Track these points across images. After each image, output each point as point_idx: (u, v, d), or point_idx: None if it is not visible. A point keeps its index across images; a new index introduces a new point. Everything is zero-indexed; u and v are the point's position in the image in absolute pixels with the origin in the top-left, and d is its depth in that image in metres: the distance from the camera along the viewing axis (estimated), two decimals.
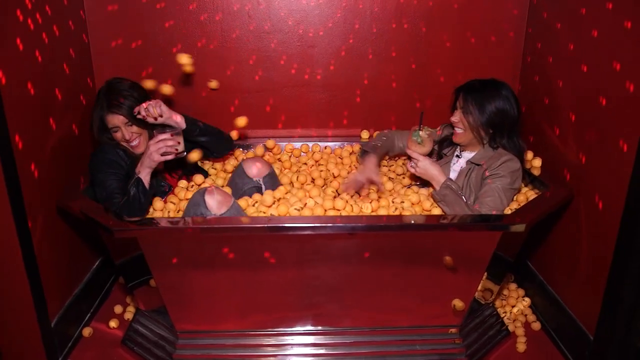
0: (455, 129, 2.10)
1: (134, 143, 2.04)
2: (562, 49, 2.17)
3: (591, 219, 1.95)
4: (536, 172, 2.20)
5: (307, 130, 2.68)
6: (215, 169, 2.39)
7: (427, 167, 2.03)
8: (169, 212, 2.00)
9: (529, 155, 2.32)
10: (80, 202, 1.91)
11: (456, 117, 2.07)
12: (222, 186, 2.23)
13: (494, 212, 1.93)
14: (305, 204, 1.95)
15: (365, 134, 2.68)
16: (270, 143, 2.59)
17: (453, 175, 2.17)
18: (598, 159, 1.91)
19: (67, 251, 2.15)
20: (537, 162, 2.27)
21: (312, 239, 1.77)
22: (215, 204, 1.83)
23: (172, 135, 1.88)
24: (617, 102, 1.79)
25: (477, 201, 1.99)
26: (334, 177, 2.36)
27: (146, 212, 1.93)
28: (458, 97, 2.09)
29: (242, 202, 2.01)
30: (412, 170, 2.07)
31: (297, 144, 2.63)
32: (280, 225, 1.71)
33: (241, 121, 2.26)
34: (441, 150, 2.27)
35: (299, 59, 2.57)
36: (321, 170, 2.41)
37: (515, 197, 2.10)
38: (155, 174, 2.05)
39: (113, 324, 2.17)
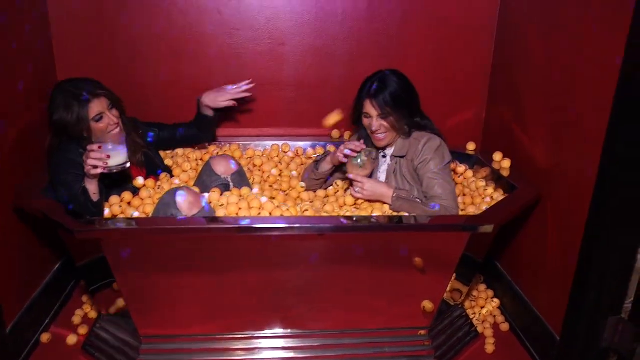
0: (376, 136, 2.08)
1: (117, 131, 1.98)
2: (533, 50, 2.20)
3: (557, 220, 1.98)
4: (505, 173, 2.24)
5: (277, 130, 2.68)
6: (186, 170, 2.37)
7: (374, 187, 2.00)
8: (120, 209, 1.96)
9: (498, 156, 2.36)
10: (39, 202, 1.87)
11: (376, 126, 2.03)
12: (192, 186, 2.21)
13: (450, 200, 1.97)
14: (261, 208, 1.95)
15: (335, 134, 2.68)
16: (252, 153, 2.57)
17: (383, 177, 2.16)
18: (565, 161, 1.94)
19: (25, 253, 2.09)
20: (506, 163, 2.30)
21: (281, 241, 1.77)
22: (187, 205, 1.80)
23: (99, 147, 1.78)
24: (584, 104, 1.83)
25: (428, 198, 2.01)
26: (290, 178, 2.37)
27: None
28: (362, 105, 2.04)
29: (214, 195, 1.99)
30: (359, 196, 2.00)
31: (267, 143, 2.62)
32: (250, 226, 1.70)
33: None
34: None
35: (268, 57, 2.55)
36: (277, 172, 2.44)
37: (484, 196, 2.14)
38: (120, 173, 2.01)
39: (72, 339, 2.10)
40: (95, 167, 1.79)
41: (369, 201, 2.05)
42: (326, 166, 2.19)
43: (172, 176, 2.30)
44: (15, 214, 2.03)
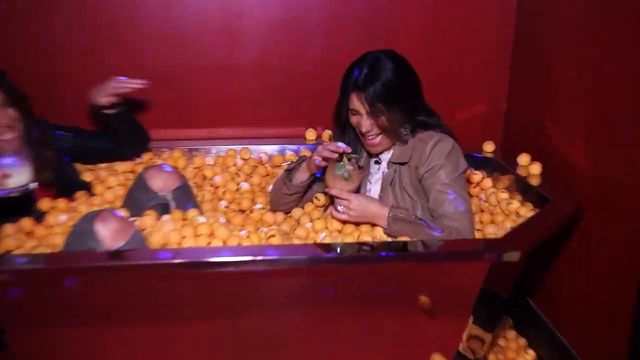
0: (368, 139, 2.07)
1: (9, 136, 2.00)
2: (569, 19, 2.20)
3: (608, 243, 1.97)
4: (534, 182, 2.23)
5: (234, 130, 2.67)
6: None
7: (363, 205, 1.97)
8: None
9: (524, 158, 2.35)
10: None
11: (366, 126, 2.03)
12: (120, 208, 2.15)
13: (464, 221, 1.96)
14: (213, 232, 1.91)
15: (311, 134, 2.67)
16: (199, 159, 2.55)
17: (376, 189, 2.15)
18: (616, 164, 1.94)
19: None
20: (536, 169, 2.29)
21: (239, 279, 1.72)
22: (110, 234, 1.77)
23: None
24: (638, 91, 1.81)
25: (435, 217, 1.99)
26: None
27: None
28: (347, 100, 2.05)
29: (148, 220, 1.96)
30: (343, 217, 1.97)
31: (222, 148, 2.61)
32: (197, 261, 1.65)
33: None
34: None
35: (221, 35, 2.53)
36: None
37: (509, 212, 2.13)
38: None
39: None
40: None
41: (356, 224, 2.02)
42: (301, 176, 2.15)
43: (91, 194, 2.26)
44: None
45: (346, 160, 2.01)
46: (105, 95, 2.25)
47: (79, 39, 2.48)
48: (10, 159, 1.80)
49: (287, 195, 2.18)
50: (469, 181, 2.40)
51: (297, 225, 2.13)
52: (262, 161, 2.56)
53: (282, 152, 2.62)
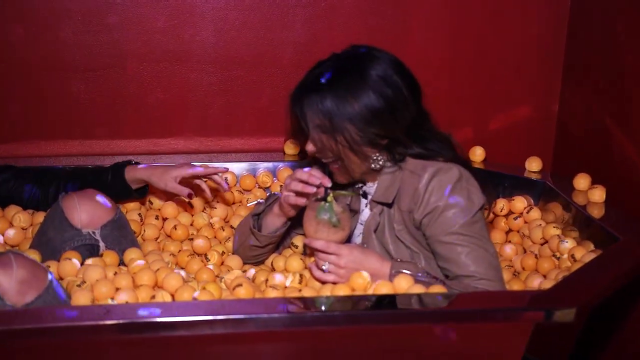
0: (330, 165, 2.09)
1: None
2: None
3: None
4: (596, 213, 2.25)
5: (188, 141, 2.72)
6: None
7: (358, 261, 1.97)
8: None
9: (582, 181, 2.38)
10: None
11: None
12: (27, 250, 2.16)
13: (493, 280, 1.97)
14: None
15: (291, 148, 2.71)
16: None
17: (356, 239, 2.17)
18: None
19: None
20: (598, 195, 2.32)
21: (193, 346, 1.74)
22: (15, 287, 1.78)
23: None
24: None
25: (451, 278, 2.00)
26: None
27: None
28: (295, 113, 2.09)
29: (69, 265, 1.98)
30: (330, 278, 1.97)
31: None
32: (134, 321, 1.66)
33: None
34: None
35: (169, 11, 2.59)
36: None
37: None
38: None
39: None
40: None
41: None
42: (274, 222, 2.15)
43: None
44: None
45: (333, 200, 2.00)
46: (177, 180, 2.28)
47: None
48: None
49: (257, 248, 2.20)
50: (493, 213, 2.40)
51: (271, 271, 2.14)
52: (227, 184, 2.55)
53: (253, 172, 2.65)
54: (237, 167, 2.65)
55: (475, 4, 2.69)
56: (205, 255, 2.24)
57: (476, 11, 2.70)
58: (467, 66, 2.68)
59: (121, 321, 1.66)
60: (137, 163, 2.37)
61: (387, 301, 1.83)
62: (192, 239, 2.35)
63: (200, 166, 2.31)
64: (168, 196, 2.49)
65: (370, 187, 2.13)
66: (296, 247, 2.24)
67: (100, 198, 2.22)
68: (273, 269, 2.17)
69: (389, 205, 2.07)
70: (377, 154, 2.03)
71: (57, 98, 2.65)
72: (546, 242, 2.29)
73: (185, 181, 2.31)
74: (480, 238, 2.00)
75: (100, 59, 2.62)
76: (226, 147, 2.74)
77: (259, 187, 2.63)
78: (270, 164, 2.66)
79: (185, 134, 2.72)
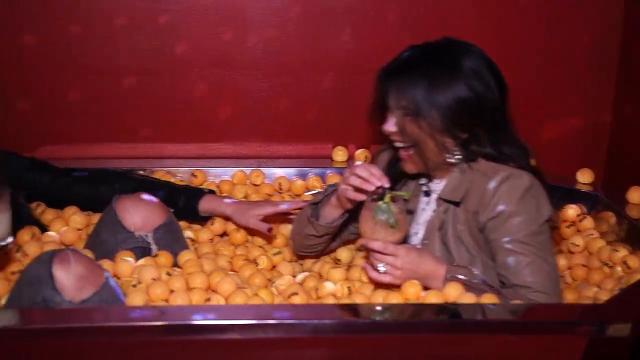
0: (400, 149, 2.07)
1: None
2: None
3: None
4: None
5: (239, 146, 2.73)
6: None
7: (415, 263, 1.96)
8: None
9: (636, 194, 2.37)
10: None
11: (390, 126, 2.06)
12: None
13: (550, 294, 1.94)
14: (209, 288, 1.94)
15: (340, 155, 2.71)
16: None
17: (417, 235, 2.15)
18: None
19: None
20: None
21: (243, 350, 1.74)
22: (73, 283, 1.78)
23: None
24: None
25: (507, 285, 1.98)
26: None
27: None
28: (383, 86, 2.06)
29: (124, 266, 1.99)
30: (386, 279, 1.96)
31: (225, 171, 2.65)
32: (188, 323, 1.67)
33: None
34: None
35: (219, 17, 2.61)
36: None
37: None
38: None
39: None
40: None
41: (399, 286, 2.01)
42: (331, 213, 2.14)
43: (43, 231, 2.29)
44: None
45: (390, 201, 1.98)
46: (260, 218, 2.29)
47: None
48: None
49: (314, 237, 2.19)
50: (556, 226, 2.36)
51: (319, 278, 2.15)
52: (280, 188, 2.59)
53: (302, 176, 2.66)
54: (286, 173, 2.65)
55: (526, 15, 2.68)
56: (255, 260, 2.24)
57: (527, 22, 2.69)
58: (517, 77, 2.65)
59: (175, 322, 1.68)
60: (211, 192, 2.40)
61: (437, 310, 1.82)
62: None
63: (282, 203, 2.33)
64: None
65: (437, 185, 2.12)
66: (339, 260, 2.25)
67: (153, 201, 2.23)
68: (320, 276, 2.17)
69: (456, 204, 2.05)
70: (455, 148, 2.03)
71: (109, 101, 2.68)
72: (598, 253, 2.27)
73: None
74: (543, 250, 1.98)
75: (152, 63, 2.64)
76: (275, 153, 2.74)
77: (308, 192, 2.62)
78: (317, 170, 2.66)
79: (234, 139, 2.73)
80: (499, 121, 2.05)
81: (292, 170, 2.66)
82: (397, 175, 2.15)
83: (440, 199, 2.08)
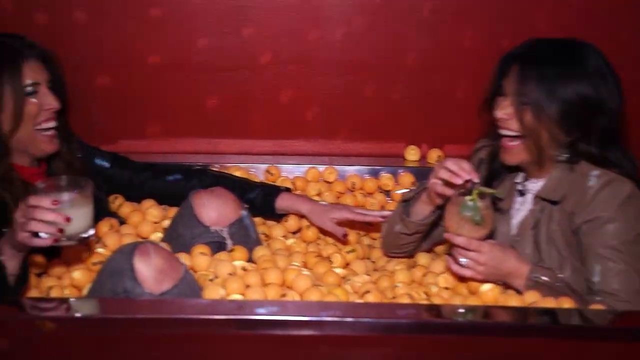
0: (503, 139, 2.06)
1: (52, 124, 2.10)
2: None
3: None
4: None
5: (311, 143, 2.75)
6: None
7: (498, 260, 1.96)
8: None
9: None
10: None
11: (505, 111, 2.04)
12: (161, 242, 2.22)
13: (635, 304, 1.91)
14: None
15: (412, 154, 2.71)
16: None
17: (510, 232, 2.14)
18: None
19: None
20: None
21: (321, 345, 1.73)
22: (153, 275, 1.82)
23: (55, 202, 1.76)
24: None
25: (593, 291, 1.95)
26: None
27: None
28: (506, 72, 2.05)
29: (200, 260, 2.02)
30: (468, 273, 1.97)
31: (298, 168, 2.66)
32: (263, 319, 1.69)
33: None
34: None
35: (296, 14, 2.61)
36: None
37: None
38: None
39: None
40: (37, 234, 1.78)
41: (480, 281, 2.01)
42: (422, 210, 2.14)
43: (121, 223, 2.32)
44: None
45: (477, 197, 1.97)
46: (335, 222, 2.31)
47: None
48: (70, 193, 1.82)
49: (405, 236, 2.18)
50: None
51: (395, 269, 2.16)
52: (353, 187, 2.60)
53: (374, 174, 2.65)
54: (358, 171, 2.66)
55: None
56: (329, 257, 2.24)
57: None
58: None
59: (254, 317, 1.70)
60: (287, 190, 2.42)
61: (516, 313, 1.81)
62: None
63: (359, 212, 2.32)
64: None
65: (533, 184, 2.11)
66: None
67: (229, 197, 2.25)
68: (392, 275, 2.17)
69: (554, 204, 2.04)
70: (565, 144, 2.02)
71: (188, 98, 2.70)
72: None
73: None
74: (635, 260, 1.95)
75: (230, 60, 2.65)
76: (347, 150, 2.74)
77: (380, 191, 2.62)
78: (390, 169, 2.65)
79: (309, 136, 2.74)
80: (612, 126, 2.03)
81: (364, 169, 2.66)
82: (494, 171, 2.16)
83: (538, 197, 2.07)
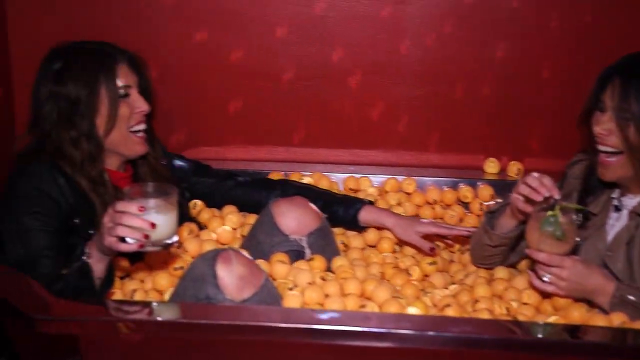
0: (601, 154, 2.02)
1: (142, 127, 2.16)
2: None
3: None
4: None
5: (387, 153, 2.74)
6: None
7: (581, 276, 1.93)
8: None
9: None
10: None
11: (605, 127, 1.99)
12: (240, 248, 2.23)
13: None
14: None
15: (492, 167, 2.69)
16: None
17: (609, 243, 2.08)
18: None
19: None
20: None
21: (396, 358, 1.73)
22: (234, 282, 1.83)
23: (141, 208, 1.79)
24: None
25: None
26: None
27: None
28: (606, 87, 2.00)
29: (280, 268, 2.03)
30: (550, 289, 1.95)
31: (376, 178, 2.65)
32: (343, 329, 1.67)
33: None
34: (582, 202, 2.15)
35: (375, 24, 2.62)
36: None
37: None
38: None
39: None
40: (123, 239, 1.81)
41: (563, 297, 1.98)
42: (507, 223, 2.13)
43: (201, 228, 2.35)
44: None
45: (559, 212, 1.95)
46: (421, 235, 2.30)
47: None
48: (156, 200, 1.83)
49: (490, 248, 2.17)
50: None
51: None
52: (435, 201, 2.58)
53: (454, 186, 2.64)
54: (436, 182, 2.64)
55: None
56: (407, 269, 2.23)
57: None
58: None
59: (334, 327, 1.69)
60: (370, 202, 2.40)
61: (603, 332, 1.79)
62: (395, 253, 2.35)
63: (445, 226, 2.32)
64: None
65: (630, 200, 2.08)
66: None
67: (308, 206, 2.26)
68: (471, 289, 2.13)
69: None
70: None
71: (272, 108, 2.72)
72: None
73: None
74: None
75: (309, 70, 2.67)
76: (424, 162, 2.73)
77: (459, 203, 2.60)
78: (468, 182, 2.63)
79: (384, 147, 2.74)
80: None
81: (442, 180, 2.65)
82: (590, 187, 2.13)
83: (634, 213, 2.04)
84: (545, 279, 1.95)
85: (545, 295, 2.00)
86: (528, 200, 1.96)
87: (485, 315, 1.93)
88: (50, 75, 2.08)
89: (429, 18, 2.61)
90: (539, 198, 1.92)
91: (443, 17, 2.60)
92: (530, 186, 1.94)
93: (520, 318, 1.93)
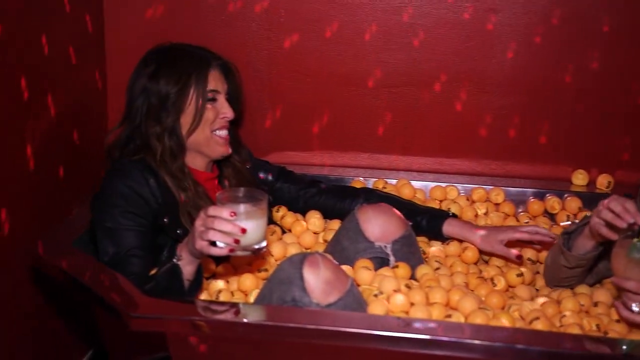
0: None
1: (224, 133, 2.21)
2: None
3: None
4: None
5: (472, 162, 2.74)
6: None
7: None
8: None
9: None
10: (66, 261, 2.00)
11: None
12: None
13: None
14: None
15: (580, 178, 2.65)
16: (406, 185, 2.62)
17: None
18: None
19: (32, 339, 2.24)
20: None
21: None
22: (321, 286, 1.84)
23: (232, 213, 1.82)
24: None
25: None
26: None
27: None
28: None
29: (364, 274, 2.03)
30: (634, 318, 1.87)
31: (461, 187, 2.66)
32: (430, 338, 1.67)
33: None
34: None
35: (465, 32, 2.62)
36: None
37: None
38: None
39: None
40: (214, 243, 1.85)
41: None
42: (585, 243, 2.07)
43: (283, 232, 2.38)
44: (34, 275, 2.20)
45: None
46: (504, 243, 2.28)
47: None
48: (246, 205, 1.86)
49: (566, 269, 2.13)
50: None
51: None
52: (526, 213, 2.56)
53: (539, 197, 2.61)
54: (522, 193, 2.62)
55: None
56: (492, 279, 2.20)
57: None
58: None
59: (420, 336, 1.68)
60: (454, 215, 2.40)
61: None
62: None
63: (527, 231, 2.27)
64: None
65: None
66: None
67: (394, 213, 2.25)
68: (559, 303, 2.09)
69: None
70: None
71: (357, 113, 2.73)
72: None
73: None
74: None
75: (395, 76, 2.67)
76: (511, 172, 2.71)
77: (545, 214, 2.56)
78: (555, 192, 2.60)
79: (470, 156, 2.72)
80: None
81: (529, 191, 2.63)
82: None
83: None
84: (635, 308, 1.87)
85: (636, 326, 1.92)
86: (610, 225, 1.92)
87: (576, 330, 1.89)
88: (146, 72, 2.16)
89: (519, 27, 2.59)
90: (622, 225, 1.88)
91: (530, 25, 2.58)
92: (613, 211, 1.89)
93: (612, 335, 1.89)
